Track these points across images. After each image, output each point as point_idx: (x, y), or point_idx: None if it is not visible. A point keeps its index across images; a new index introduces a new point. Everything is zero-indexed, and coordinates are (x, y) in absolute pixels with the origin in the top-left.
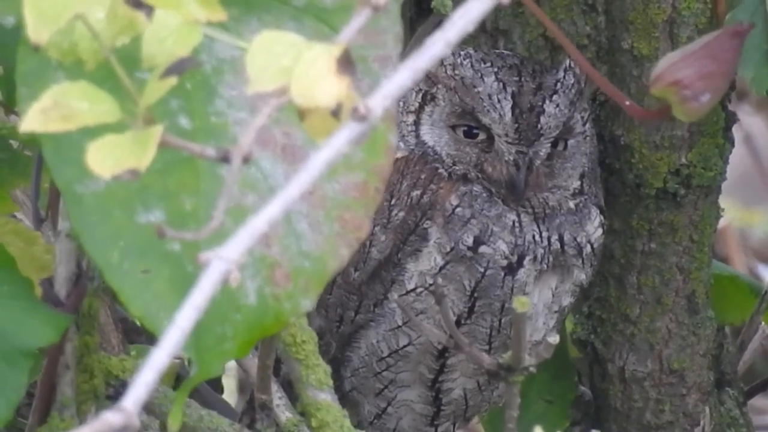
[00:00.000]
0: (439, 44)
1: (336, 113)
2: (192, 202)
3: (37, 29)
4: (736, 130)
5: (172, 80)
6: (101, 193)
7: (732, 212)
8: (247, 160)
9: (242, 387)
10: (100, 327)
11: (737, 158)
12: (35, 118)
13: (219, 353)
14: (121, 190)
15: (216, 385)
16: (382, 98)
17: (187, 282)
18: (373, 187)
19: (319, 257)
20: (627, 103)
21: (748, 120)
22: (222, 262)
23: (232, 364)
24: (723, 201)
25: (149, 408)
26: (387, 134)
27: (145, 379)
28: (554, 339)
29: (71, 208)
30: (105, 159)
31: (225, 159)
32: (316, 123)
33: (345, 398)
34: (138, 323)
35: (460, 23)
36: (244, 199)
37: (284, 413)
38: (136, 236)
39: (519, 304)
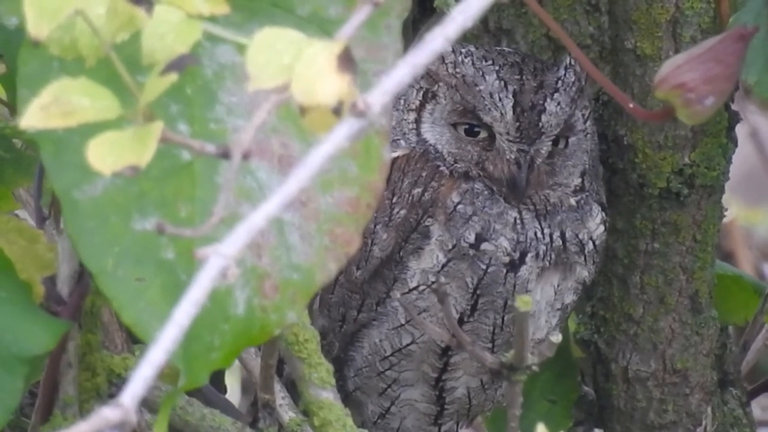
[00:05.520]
0: (438, 40)
1: (337, 111)
2: (187, 209)
3: (37, 24)
4: (741, 128)
5: (173, 77)
6: (98, 199)
7: (735, 211)
8: (246, 156)
9: (245, 387)
10: (104, 326)
11: (742, 156)
12: (35, 115)
13: (206, 363)
14: (119, 196)
15: (219, 384)
16: (380, 94)
17: (180, 291)
18: (365, 203)
19: (308, 270)
20: (630, 105)
21: (753, 118)
22: (220, 258)
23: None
24: (727, 199)
25: (153, 408)
26: (381, 150)
27: (143, 375)
28: (557, 337)
29: (68, 214)
30: (105, 155)
31: (224, 155)
32: (317, 120)
33: (348, 398)
34: None
35: (459, 19)
36: (239, 208)
37: (287, 413)
38: (132, 243)
39: (522, 303)
